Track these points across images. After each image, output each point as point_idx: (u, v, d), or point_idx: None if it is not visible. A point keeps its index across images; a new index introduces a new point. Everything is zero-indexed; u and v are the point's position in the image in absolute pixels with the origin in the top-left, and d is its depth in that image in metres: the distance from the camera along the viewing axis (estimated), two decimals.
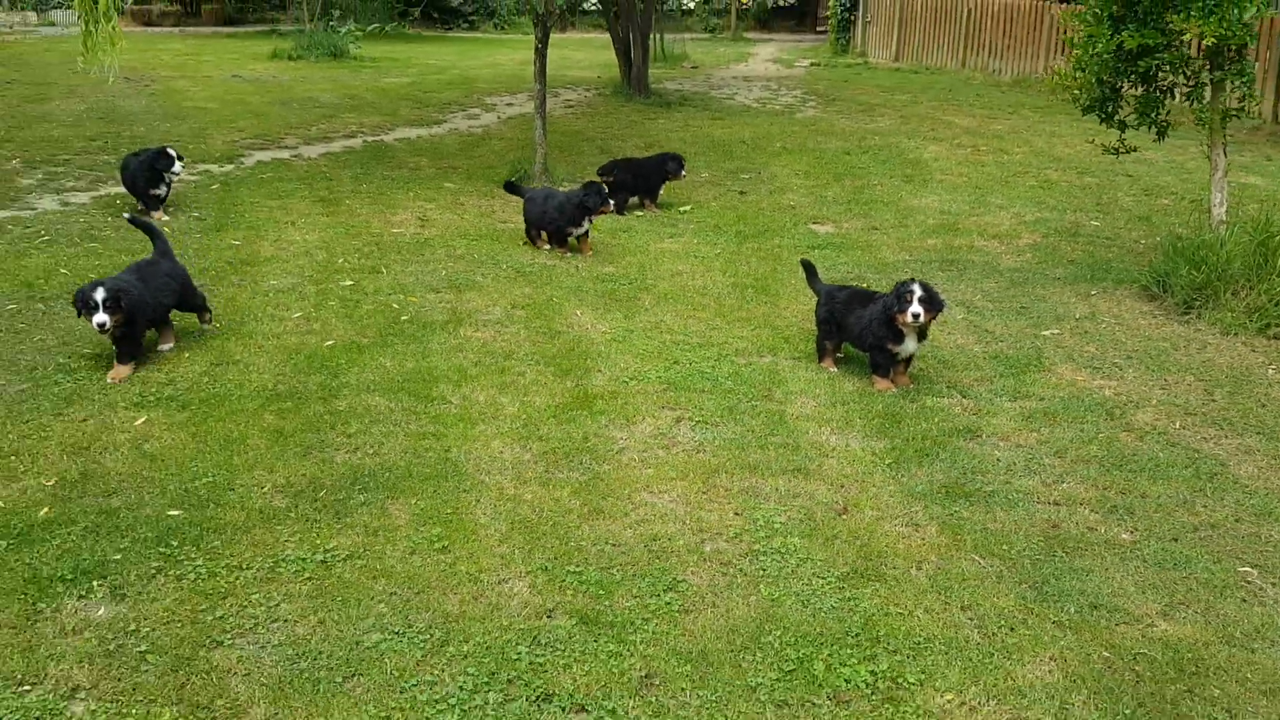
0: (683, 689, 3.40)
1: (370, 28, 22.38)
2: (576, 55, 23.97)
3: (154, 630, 3.58)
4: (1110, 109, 7.18)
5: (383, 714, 3.23)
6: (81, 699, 3.24)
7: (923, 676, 3.50)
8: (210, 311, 6.63)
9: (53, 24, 32.56)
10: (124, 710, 3.20)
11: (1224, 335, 6.58)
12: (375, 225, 9.28)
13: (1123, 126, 7.31)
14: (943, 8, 22.55)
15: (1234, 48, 6.56)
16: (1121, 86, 7.10)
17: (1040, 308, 7.24)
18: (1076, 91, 7.15)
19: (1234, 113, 6.93)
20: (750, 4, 35.24)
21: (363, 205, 10.03)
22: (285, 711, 3.22)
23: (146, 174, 9.12)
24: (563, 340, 6.54)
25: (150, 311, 5.99)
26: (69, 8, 34.34)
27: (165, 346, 6.22)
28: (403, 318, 6.86)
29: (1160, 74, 6.88)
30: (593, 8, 26.52)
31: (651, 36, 18.80)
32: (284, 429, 5.17)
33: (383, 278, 7.73)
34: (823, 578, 4.05)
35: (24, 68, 20.86)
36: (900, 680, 3.48)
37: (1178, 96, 7.28)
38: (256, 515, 4.35)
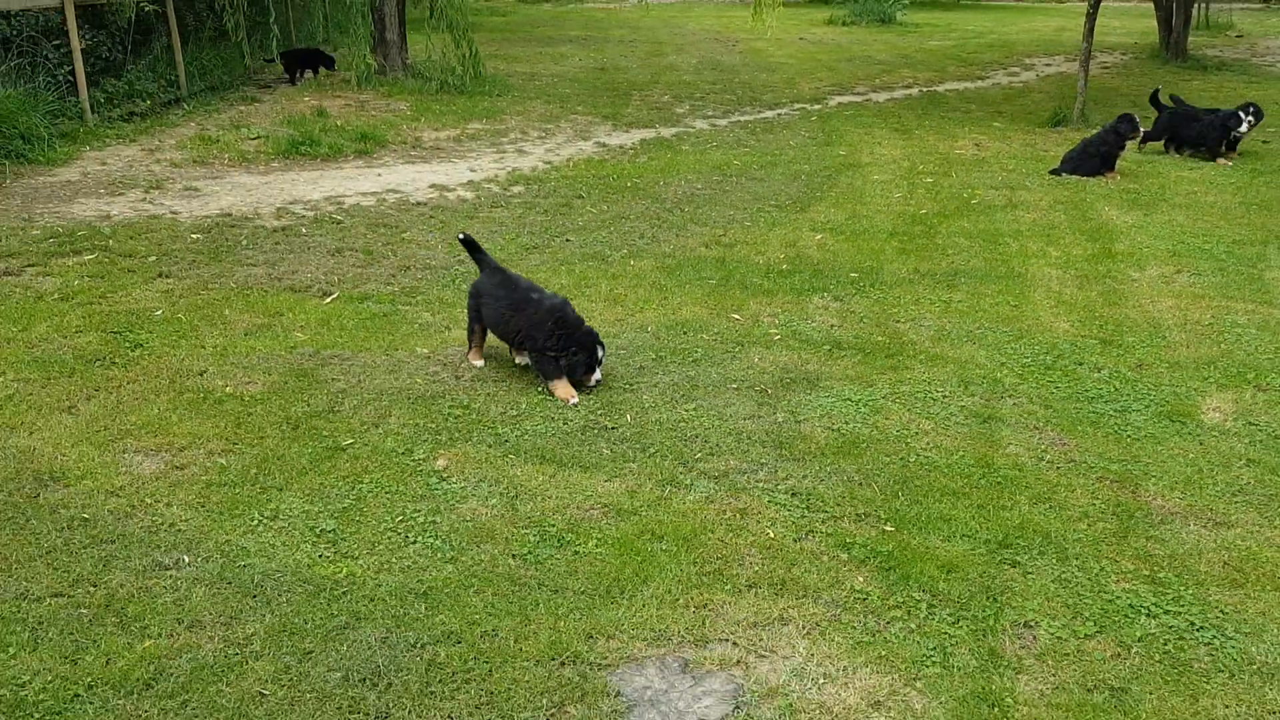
0: (1137, 361, 6.00)
1: None
2: (1114, 23, 25.07)
3: (859, 317, 6.84)
4: None
5: (962, 353, 6.20)
6: (835, 330, 6.56)
7: None
8: None
9: None
10: (859, 339, 6.46)
11: None
12: (941, 148, 12.21)
13: None
14: None
15: None
16: None
17: None
18: None
19: None
20: None
21: (928, 134, 13.01)
22: (943, 347, 6.29)
23: (1217, 131, 11.13)
24: (1092, 223, 9.05)
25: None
26: None
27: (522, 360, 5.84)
28: (972, 201, 9.74)
29: None
30: None
31: (1195, 5, 19.77)
32: (905, 248, 8.29)
33: (952, 178, 10.65)
34: (1265, 344, 6.37)
35: (636, 30, 26.20)
36: None
37: None
38: (899, 280, 7.50)
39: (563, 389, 5.47)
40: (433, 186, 10.10)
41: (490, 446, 4.99)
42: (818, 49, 21.91)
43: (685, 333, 6.45)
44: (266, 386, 5.54)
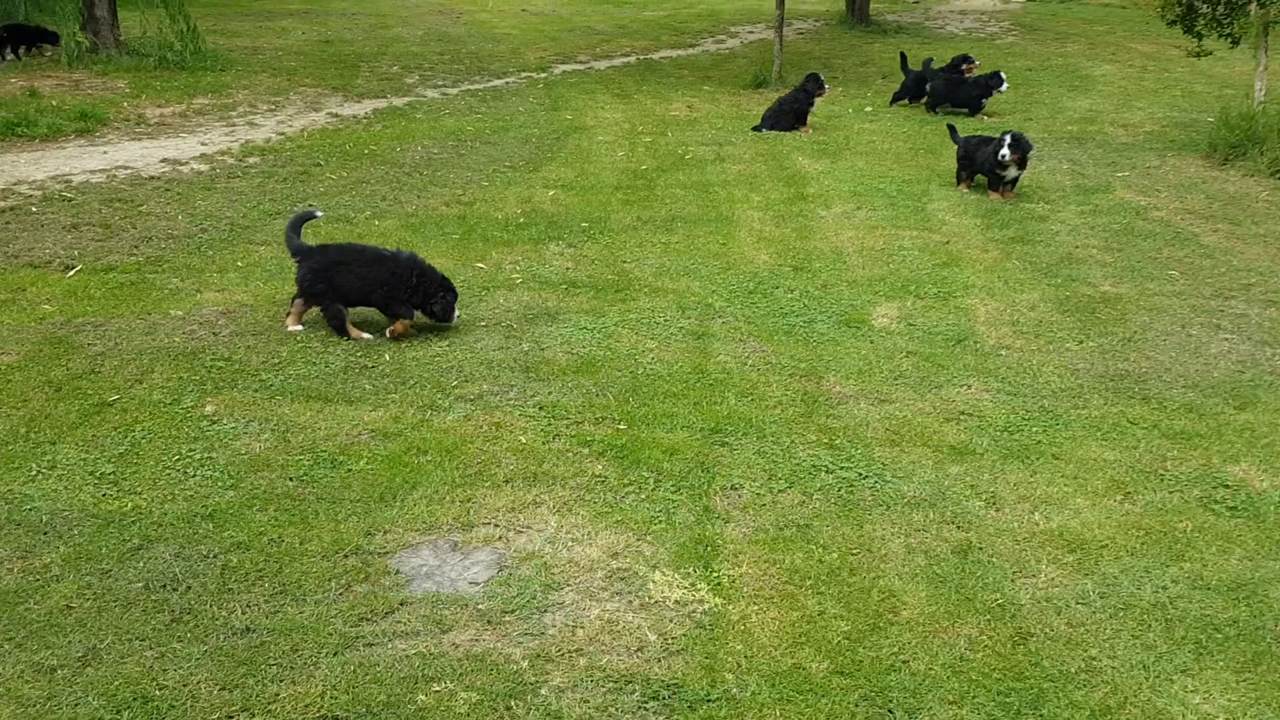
0: (823, 282, 7.10)
1: None
2: None
3: (591, 260, 7.59)
4: (1189, 23, 10.13)
5: (680, 285, 7.09)
6: (570, 272, 7.28)
7: (965, 292, 7.05)
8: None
9: None
10: (592, 278, 7.20)
11: (1244, 176, 9.57)
12: (658, 110, 13.19)
13: (1199, 37, 10.23)
14: None
15: None
16: (1198, 5, 10.02)
17: (1125, 163, 10.35)
18: (1160, 8, 10.14)
19: (1274, 23, 9.76)
20: None
21: (646, 98, 13.96)
22: (664, 280, 7.14)
23: (980, 90, 12.49)
24: (789, 171, 10.22)
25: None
26: None
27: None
28: (686, 156, 10.72)
29: None
30: None
31: None
32: (629, 199, 9.13)
33: (669, 138, 11.62)
34: (924, 262, 7.62)
35: (359, 2, 25.86)
36: (952, 291, 7.04)
37: (1251, 13, 10.10)
38: (625, 227, 8.32)
39: (402, 325, 6.07)
40: (164, 161, 10.04)
41: (256, 391, 5.38)
42: (540, 20, 22.53)
43: None
44: (21, 355, 5.65)
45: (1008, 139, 8.90)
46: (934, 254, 7.84)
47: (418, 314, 6.13)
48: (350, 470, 4.67)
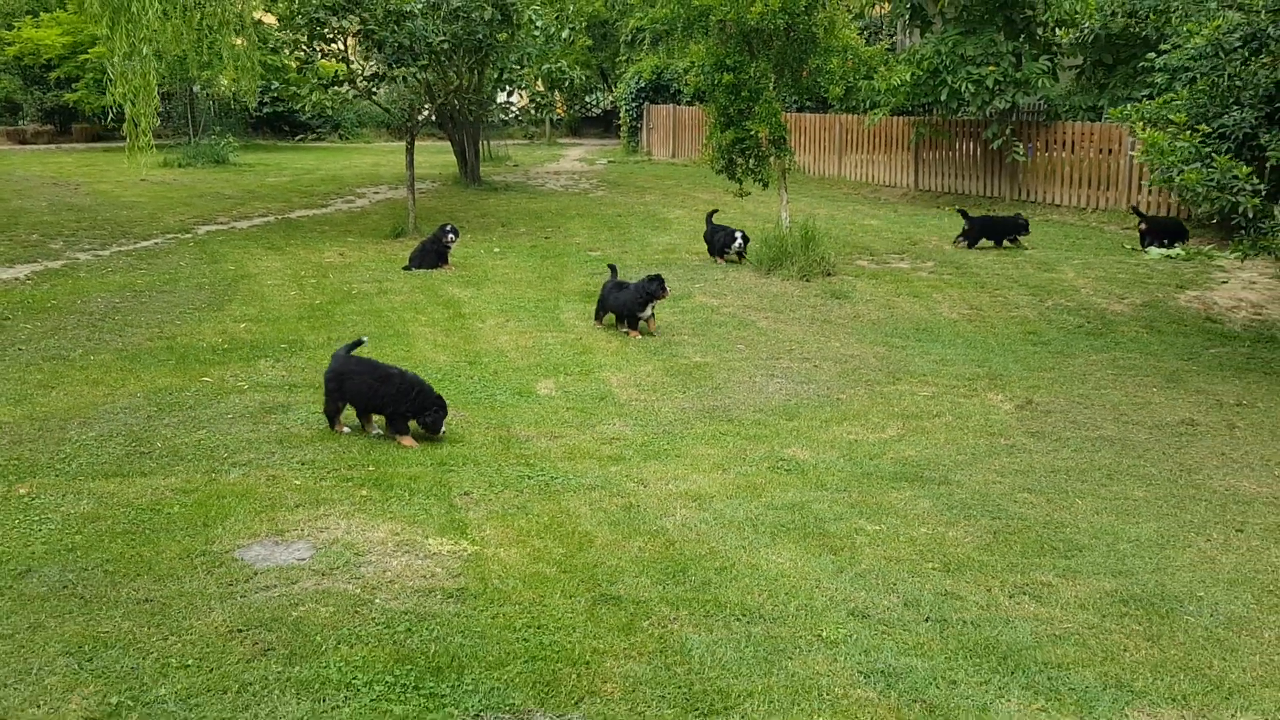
0: (493, 370, 9.22)
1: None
2: (420, 159, 29.72)
3: (300, 368, 9.19)
4: (731, 171, 13.60)
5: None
6: (287, 378, 8.83)
7: (600, 369, 9.41)
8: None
9: None
10: (307, 380, 8.81)
11: (782, 281, 12.98)
12: (313, 258, 14.86)
13: (740, 181, 13.74)
14: (703, 117, 29.56)
15: (781, 137, 13.10)
16: (736, 160, 13.53)
17: (700, 278, 13.48)
18: (710, 161, 13.55)
19: (786, 170, 13.47)
20: (564, 114, 42.09)
21: (299, 249, 15.58)
22: None
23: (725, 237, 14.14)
24: (444, 298, 12.32)
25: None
26: None
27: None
28: (353, 292, 12.52)
29: (749, 152, 13.36)
30: (431, 120, 32.46)
31: (481, 142, 24.93)
32: (315, 325, 10.76)
33: (331, 279, 13.35)
34: (567, 352, 9.94)
35: None
36: (591, 369, 9.38)
37: (771, 164, 13.72)
38: (320, 345, 9.96)
39: (408, 440, 7.38)
40: None
41: (58, 476, 6.52)
42: (166, 188, 23.30)
43: (170, 394, 8.27)
44: None
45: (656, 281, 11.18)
46: (572, 346, 10.21)
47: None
48: (169, 514, 6.02)
